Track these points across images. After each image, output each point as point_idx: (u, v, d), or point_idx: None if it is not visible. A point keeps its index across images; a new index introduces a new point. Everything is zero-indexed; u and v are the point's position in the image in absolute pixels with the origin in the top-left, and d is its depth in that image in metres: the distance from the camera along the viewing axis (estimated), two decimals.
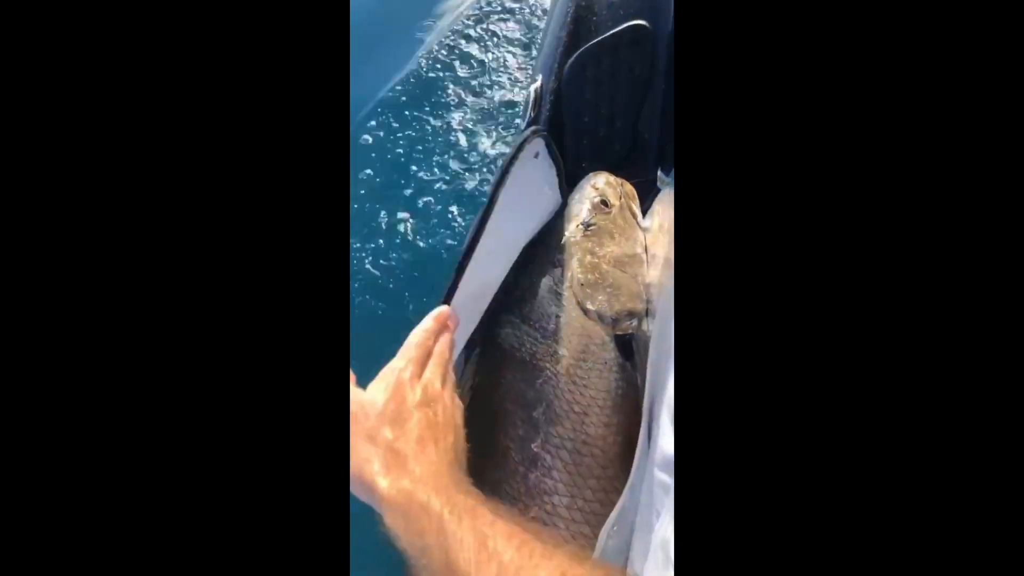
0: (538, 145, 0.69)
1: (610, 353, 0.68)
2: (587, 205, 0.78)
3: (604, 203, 0.78)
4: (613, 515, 0.57)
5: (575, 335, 0.69)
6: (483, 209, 0.65)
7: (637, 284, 0.73)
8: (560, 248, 0.74)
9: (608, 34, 0.80)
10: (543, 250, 0.74)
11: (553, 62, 0.83)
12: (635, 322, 0.70)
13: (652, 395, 0.59)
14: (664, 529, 0.45)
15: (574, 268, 0.73)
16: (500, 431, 0.65)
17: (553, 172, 0.74)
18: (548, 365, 0.67)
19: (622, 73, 0.83)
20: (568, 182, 0.81)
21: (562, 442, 0.64)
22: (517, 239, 0.73)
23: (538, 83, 0.88)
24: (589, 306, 0.70)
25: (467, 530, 0.42)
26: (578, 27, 0.83)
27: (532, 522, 0.61)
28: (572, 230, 0.76)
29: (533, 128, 0.69)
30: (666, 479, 0.51)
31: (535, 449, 0.63)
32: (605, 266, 0.73)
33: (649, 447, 0.56)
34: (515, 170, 0.65)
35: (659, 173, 0.75)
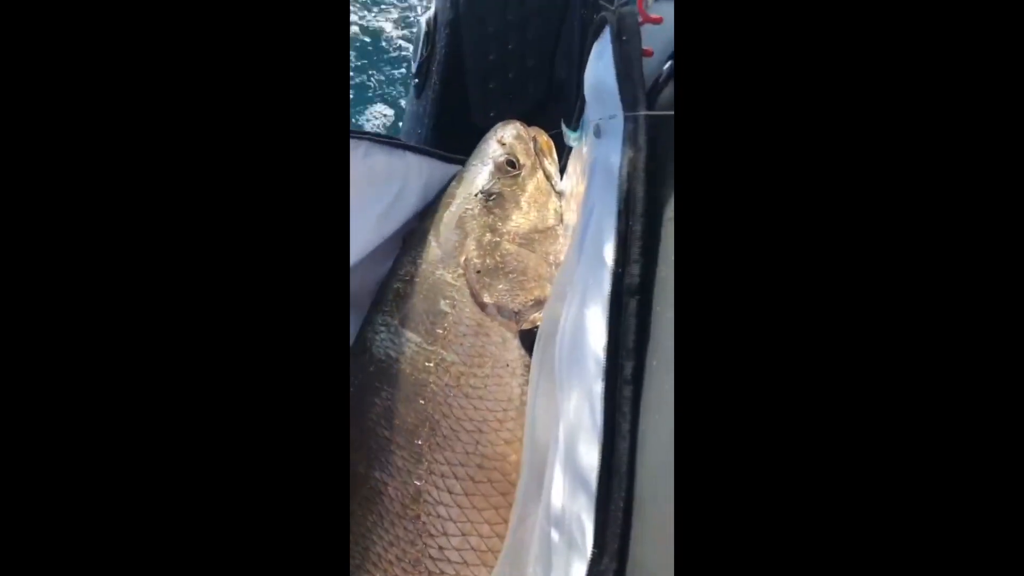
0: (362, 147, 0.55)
1: (513, 353, 0.56)
2: (489, 167, 0.64)
3: (511, 163, 0.64)
4: (501, 560, 0.47)
5: (468, 335, 0.56)
6: None
7: (548, 266, 0.60)
8: (450, 227, 0.61)
9: None
10: (424, 232, 0.61)
11: None
12: (539, 313, 0.57)
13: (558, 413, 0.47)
14: None
15: (469, 251, 0.59)
16: (373, 465, 0.53)
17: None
18: (432, 377, 0.55)
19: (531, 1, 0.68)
20: (476, 135, 0.67)
21: (451, 469, 0.52)
22: (390, 225, 0.59)
23: (431, 12, 0.72)
24: (486, 298, 0.57)
25: None
26: None
27: (414, 570, 0.51)
28: (468, 202, 0.62)
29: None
30: (555, 537, 0.41)
31: (417, 483, 0.52)
32: (508, 245, 0.60)
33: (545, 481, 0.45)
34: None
35: (563, 127, 0.60)
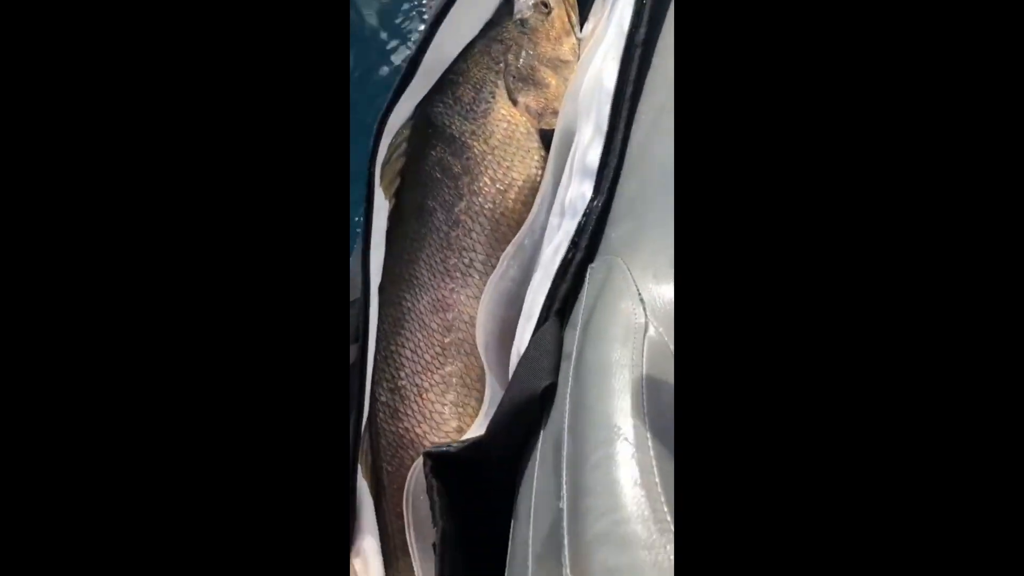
0: None
1: (533, 143, 0.76)
2: (528, 2, 0.81)
3: (544, 4, 0.81)
4: (511, 247, 0.68)
5: (502, 121, 0.75)
6: None
7: (564, 86, 0.79)
8: (498, 39, 0.78)
9: None
10: (482, 39, 0.78)
11: None
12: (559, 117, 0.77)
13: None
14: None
15: (508, 60, 0.77)
16: (428, 195, 0.73)
17: None
18: (475, 144, 0.74)
19: None
20: None
21: (481, 211, 0.73)
22: (472, 28, 0.76)
23: None
24: (519, 98, 0.76)
25: None
26: None
27: (450, 271, 0.72)
28: (509, 27, 0.79)
29: None
30: (554, 222, 0.62)
31: (458, 212, 0.72)
32: (537, 64, 0.78)
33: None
34: None
35: None
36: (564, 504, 0.38)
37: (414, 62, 0.69)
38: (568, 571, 0.34)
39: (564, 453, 0.42)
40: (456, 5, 0.69)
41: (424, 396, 0.74)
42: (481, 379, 0.75)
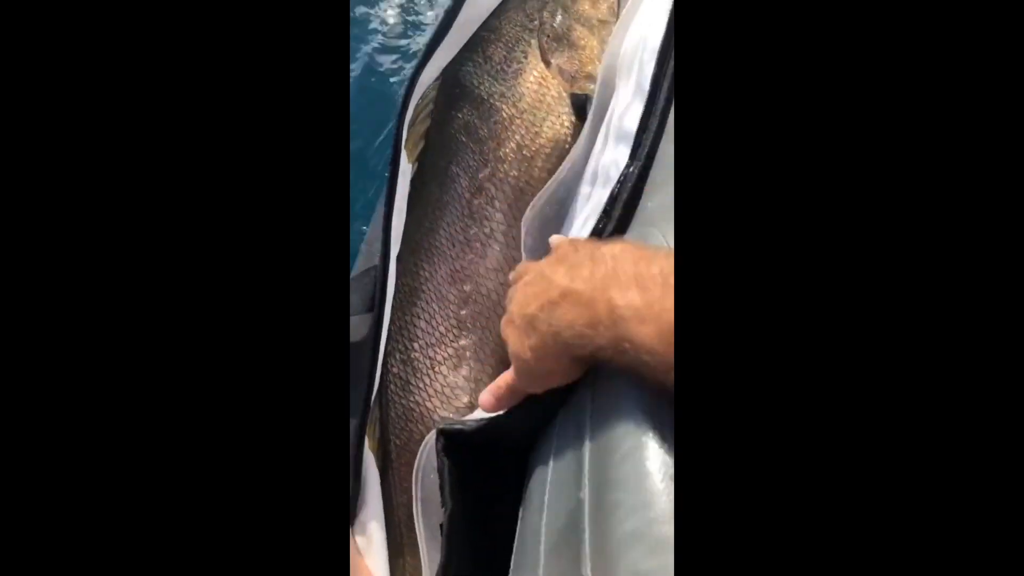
0: None
1: (565, 108, 0.72)
2: None
3: None
4: (528, 212, 0.64)
5: (533, 83, 0.71)
6: None
7: (601, 49, 0.74)
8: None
9: None
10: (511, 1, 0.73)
11: None
12: (592, 85, 0.72)
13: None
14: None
15: (544, 19, 0.72)
16: (452, 160, 0.69)
17: None
18: (504, 107, 0.69)
19: None
20: None
21: (507, 178, 0.69)
22: None
23: None
24: (552, 59, 0.72)
25: None
26: None
27: (470, 240, 0.68)
28: None
29: None
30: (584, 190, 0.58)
31: (482, 179, 0.68)
32: (574, 23, 0.73)
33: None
34: None
35: None
36: (586, 495, 0.35)
37: (449, 16, 0.64)
38: (589, 571, 0.31)
39: (586, 439, 0.39)
40: None
41: (436, 369, 0.71)
42: (496, 354, 0.72)
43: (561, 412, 0.44)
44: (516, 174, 0.69)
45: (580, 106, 0.73)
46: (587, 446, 0.38)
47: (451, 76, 0.71)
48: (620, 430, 0.35)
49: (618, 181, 0.50)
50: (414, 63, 0.66)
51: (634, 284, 0.36)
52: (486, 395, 0.48)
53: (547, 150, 0.70)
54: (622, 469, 0.33)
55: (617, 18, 0.77)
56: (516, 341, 0.43)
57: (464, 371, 0.71)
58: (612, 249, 0.40)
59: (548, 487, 0.42)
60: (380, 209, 0.71)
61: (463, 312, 0.70)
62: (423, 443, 0.63)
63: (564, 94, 0.72)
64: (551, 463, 0.43)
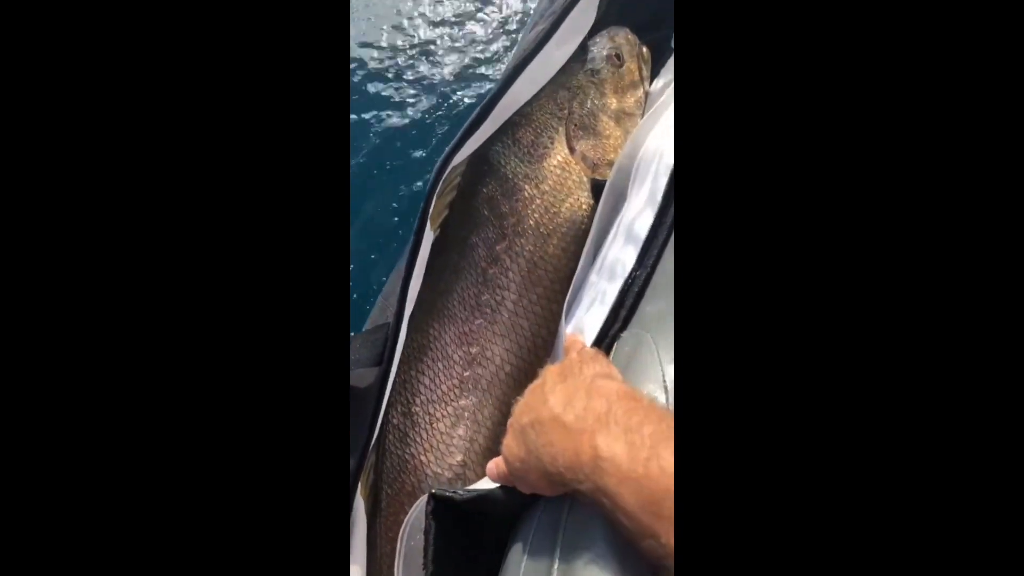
0: None
1: (584, 191, 0.76)
2: (602, 53, 0.81)
3: (618, 56, 0.82)
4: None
5: (556, 167, 0.76)
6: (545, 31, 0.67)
7: (625, 139, 0.79)
8: (566, 86, 0.78)
9: None
10: (550, 84, 0.78)
11: None
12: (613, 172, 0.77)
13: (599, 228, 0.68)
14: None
15: (572, 108, 0.78)
16: (472, 230, 0.73)
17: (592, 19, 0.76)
18: (527, 186, 0.74)
19: None
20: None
21: (523, 251, 0.73)
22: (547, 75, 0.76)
23: None
24: (577, 146, 0.76)
25: None
26: None
27: (481, 306, 0.72)
28: (580, 73, 0.80)
29: None
30: (593, 279, 0.62)
31: (499, 250, 0.72)
32: (601, 114, 0.79)
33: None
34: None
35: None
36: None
37: (487, 107, 0.69)
38: None
39: (561, 530, 0.42)
40: (538, 57, 0.69)
41: (435, 425, 0.74)
42: (493, 417, 0.75)
43: (543, 501, 0.47)
44: (532, 248, 0.73)
45: (599, 191, 0.77)
46: (560, 537, 0.41)
47: (480, 153, 0.76)
48: (588, 536, 0.38)
49: (625, 282, 0.53)
50: (451, 142, 0.70)
51: (623, 437, 0.35)
52: (492, 466, 0.51)
53: (563, 229, 0.75)
54: (590, 570, 0.36)
55: (643, 113, 0.82)
56: (509, 444, 0.46)
57: (461, 430, 0.74)
58: (611, 388, 0.40)
59: (523, 567, 0.45)
60: (400, 266, 0.75)
61: (466, 373, 0.74)
62: (416, 503, 0.66)
63: (585, 179, 0.77)
64: (529, 541, 0.45)
